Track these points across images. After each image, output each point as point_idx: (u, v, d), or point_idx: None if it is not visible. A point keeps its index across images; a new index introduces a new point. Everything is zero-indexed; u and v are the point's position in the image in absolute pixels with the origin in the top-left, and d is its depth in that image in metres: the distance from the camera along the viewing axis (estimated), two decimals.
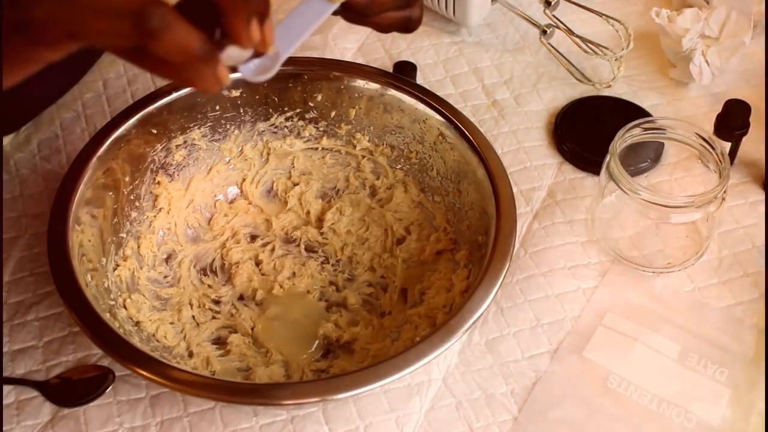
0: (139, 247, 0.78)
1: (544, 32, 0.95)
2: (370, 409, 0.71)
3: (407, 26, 0.64)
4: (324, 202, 0.84)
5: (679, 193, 0.84)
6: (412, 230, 0.82)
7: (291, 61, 0.67)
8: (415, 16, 0.63)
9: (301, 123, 0.84)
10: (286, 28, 0.59)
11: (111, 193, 0.76)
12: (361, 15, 0.61)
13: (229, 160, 0.84)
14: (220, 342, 0.76)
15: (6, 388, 0.72)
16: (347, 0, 0.59)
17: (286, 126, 0.84)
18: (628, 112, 0.90)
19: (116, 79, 0.94)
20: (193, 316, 0.76)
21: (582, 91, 0.94)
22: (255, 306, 0.78)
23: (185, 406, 0.71)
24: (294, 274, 0.80)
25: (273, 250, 0.81)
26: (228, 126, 0.83)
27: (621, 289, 0.79)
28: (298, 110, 0.83)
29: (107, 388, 0.71)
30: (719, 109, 0.84)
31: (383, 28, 0.66)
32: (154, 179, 0.80)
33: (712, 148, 0.76)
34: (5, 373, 0.72)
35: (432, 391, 0.72)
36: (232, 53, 0.51)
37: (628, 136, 0.77)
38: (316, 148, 0.85)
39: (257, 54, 0.54)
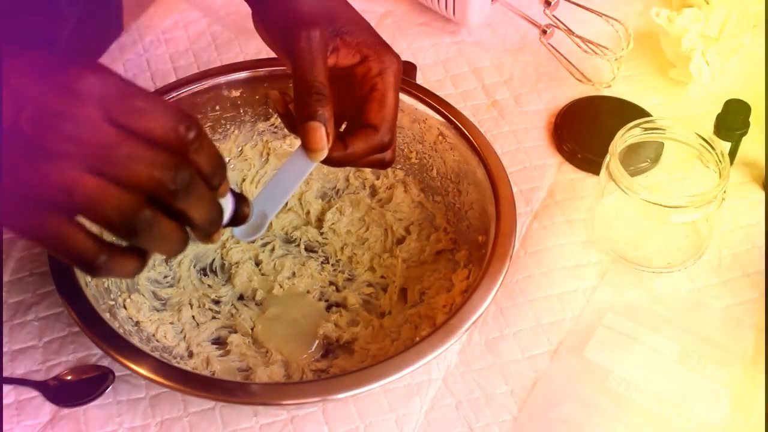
0: None
1: (544, 32, 0.95)
2: (370, 409, 0.71)
3: (380, 167, 0.68)
4: (324, 202, 0.84)
5: (679, 193, 0.84)
6: (412, 230, 0.82)
7: None
8: (388, 158, 0.67)
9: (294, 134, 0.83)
10: (272, 189, 0.63)
11: None
12: (339, 165, 0.66)
13: (229, 160, 0.84)
14: (220, 342, 0.76)
15: (6, 388, 0.72)
16: (326, 157, 0.64)
17: None
18: (628, 112, 0.90)
19: None
20: (193, 316, 0.76)
21: (582, 91, 0.94)
22: (255, 306, 0.78)
23: (185, 406, 0.71)
24: (294, 274, 0.80)
25: (273, 250, 0.81)
26: (228, 126, 0.83)
27: (621, 289, 0.79)
28: None
29: (107, 388, 0.71)
30: (719, 109, 0.84)
31: (357, 167, 0.76)
32: None
33: (712, 148, 0.76)
34: (5, 373, 0.72)
35: (432, 391, 0.72)
36: None
37: (628, 136, 0.77)
38: None
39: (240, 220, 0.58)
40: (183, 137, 0.48)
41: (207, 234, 0.53)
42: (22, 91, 0.46)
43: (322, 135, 0.62)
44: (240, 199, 0.57)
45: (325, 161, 0.64)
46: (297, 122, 0.63)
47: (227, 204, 0.55)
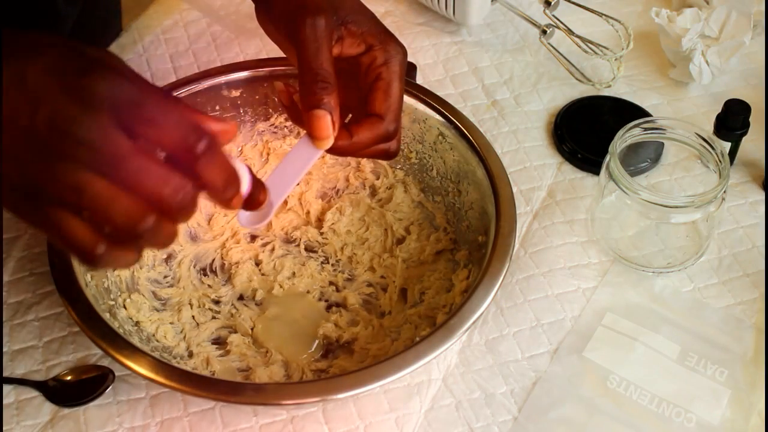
0: None
1: (544, 32, 0.95)
2: (370, 409, 0.71)
3: (385, 157, 0.68)
4: (324, 202, 0.84)
5: (679, 193, 0.85)
6: (412, 230, 0.82)
7: (290, 61, 0.67)
8: (393, 148, 0.67)
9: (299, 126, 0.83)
10: (277, 178, 0.63)
11: None
12: (344, 154, 0.66)
13: None
14: (220, 342, 0.76)
15: (6, 388, 0.72)
16: (331, 145, 0.64)
17: (286, 126, 0.84)
18: (628, 112, 0.90)
19: None
20: (193, 316, 0.76)
21: (582, 91, 0.94)
22: (255, 306, 0.78)
23: (185, 406, 0.71)
24: (294, 274, 0.80)
25: (273, 250, 0.81)
26: None
27: (621, 289, 0.79)
28: None
29: (107, 388, 0.71)
30: (719, 109, 0.84)
31: (362, 157, 0.73)
32: None
33: (712, 148, 0.76)
34: (5, 373, 0.72)
35: (432, 391, 0.72)
36: None
37: (628, 136, 0.77)
38: None
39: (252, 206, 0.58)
40: (192, 150, 0.49)
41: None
42: (39, 92, 0.47)
43: (327, 123, 0.62)
44: (257, 184, 0.57)
45: (331, 150, 0.64)
46: (302, 110, 0.63)
47: (243, 173, 0.55)
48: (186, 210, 0.50)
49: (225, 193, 0.52)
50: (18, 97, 0.47)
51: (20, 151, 0.47)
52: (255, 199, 0.57)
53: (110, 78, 0.48)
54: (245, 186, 0.56)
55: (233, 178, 0.52)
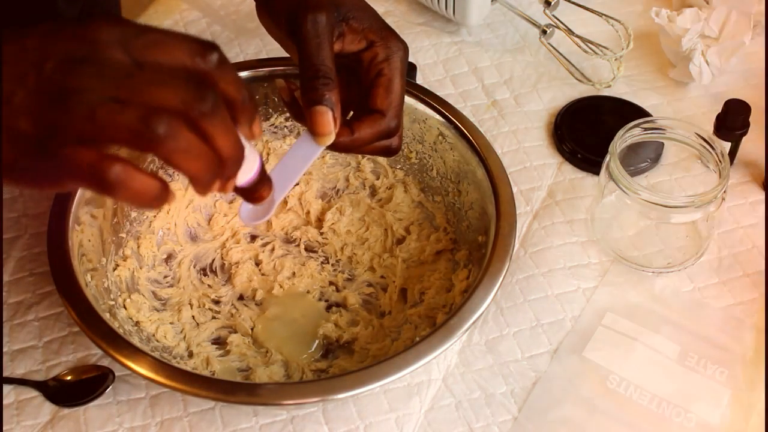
0: (138, 247, 0.78)
1: (544, 32, 0.95)
2: (370, 409, 0.71)
3: (386, 154, 0.68)
4: (324, 202, 0.84)
5: (679, 193, 0.85)
6: (412, 230, 0.82)
7: (290, 61, 0.67)
8: (395, 144, 0.67)
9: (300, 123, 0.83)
10: (278, 174, 0.62)
11: None
12: (346, 151, 0.66)
13: None
14: (220, 342, 0.76)
15: (6, 388, 0.72)
16: (333, 142, 0.63)
17: (286, 126, 0.84)
18: (628, 112, 0.90)
19: None
20: (193, 316, 0.76)
21: (582, 91, 0.94)
22: (255, 306, 0.78)
23: (185, 406, 0.71)
24: (294, 274, 0.80)
25: (273, 250, 0.81)
26: None
27: (621, 289, 0.79)
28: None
29: (107, 388, 0.71)
30: (719, 109, 0.84)
31: (364, 154, 0.72)
32: None
33: (712, 148, 0.76)
34: (5, 373, 0.72)
35: (432, 391, 0.72)
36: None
37: (628, 136, 0.77)
38: None
39: (254, 198, 0.57)
40: (205, 63, 0.48)
41: (225, 174, 0.50)
42: (43, 47, 0.47)
43: (329, 119, 0.62)
44: (264, 177, 0.56)
45: (332, 147, 0.64)
46: (303, 107, 0.63)
47: (254, 160, 0.54)
48: (212, 115, 0.47)
49: (245, 107, 0.50)
50: (21, 62, 0.47)
51: (32, 103, 0.46)
52: (258, 192, 0.56)
53: (110, 21, 0.48)
54: (254, 171, 0.55)
55: (250, 93, 0.51)
